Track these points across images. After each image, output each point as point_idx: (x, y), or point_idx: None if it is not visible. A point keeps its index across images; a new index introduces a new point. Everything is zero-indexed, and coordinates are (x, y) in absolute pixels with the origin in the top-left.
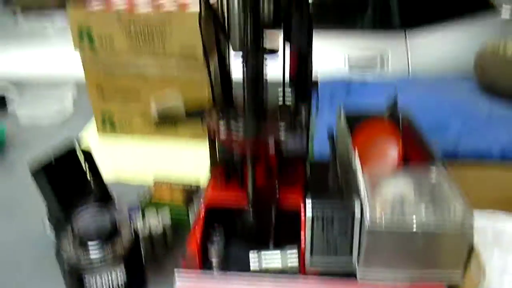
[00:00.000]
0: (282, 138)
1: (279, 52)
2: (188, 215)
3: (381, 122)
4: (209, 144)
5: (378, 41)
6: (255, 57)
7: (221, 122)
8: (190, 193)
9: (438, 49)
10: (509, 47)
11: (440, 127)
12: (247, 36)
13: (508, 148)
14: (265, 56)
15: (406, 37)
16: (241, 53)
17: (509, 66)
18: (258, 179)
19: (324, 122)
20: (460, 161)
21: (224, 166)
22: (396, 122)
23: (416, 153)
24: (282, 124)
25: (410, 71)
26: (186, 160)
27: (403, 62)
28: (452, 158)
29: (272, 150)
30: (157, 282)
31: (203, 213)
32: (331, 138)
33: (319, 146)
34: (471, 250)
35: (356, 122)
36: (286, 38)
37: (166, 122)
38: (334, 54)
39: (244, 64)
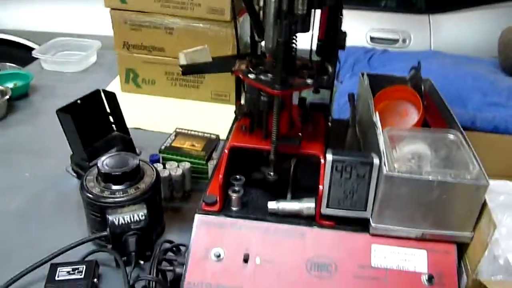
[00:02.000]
0: (307, 91)
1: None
2: (207, 163)
3: (403, 87)
4: (235, 93)
5: (401, 22)
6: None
7: (250, 71)
8: (210, 141)
9: (461, 33)
10: None
11: (461, 99)
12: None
13: None
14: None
15: (429, 21)
16: None
17: None
18: (282, 128)
19: (345, 87)
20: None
21: (250, 116)
22: (418, 88)
23: (436, 118)
24: (308, 78)
25: None
26: (207, 119)
27: (425, 45)
28: (469, 128)
29: (296, 102)
30: (174, 224)
31: (226, 155)
32: (352, 98)
33: (339, 110)
34: (483, 206)
35: (378, 86)
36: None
37: (193, 70)
38: (356, 33)
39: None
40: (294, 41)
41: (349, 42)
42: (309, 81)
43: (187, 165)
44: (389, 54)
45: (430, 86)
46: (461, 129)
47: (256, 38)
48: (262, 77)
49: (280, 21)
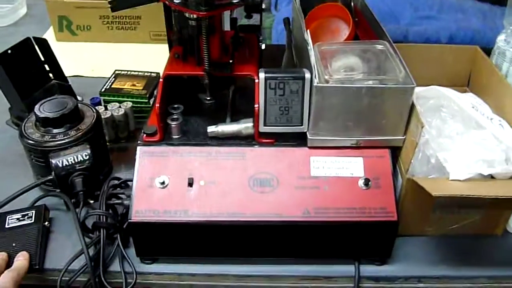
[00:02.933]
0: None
1: None
2: (149, 101)
3: (333, 4)
4: (165, 22)
5: None
6: None
7: None
8: (151, 79)
9: None
10: None
11: (393, 15)
12: None
13: (456, 35)
14: None
15: None
16: None
17: None
18: (213, 53)
19: (282, 14)
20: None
21: (182, 44)
22: (347, 5)
23: (367, 34)
24: None
25: None
26: (148, 60)
27: None
28: (401, 42)
29: (227, 25)
30: (121, 163)
31: (161, 83)
32: (287, 23)
33: (277, 37)
34: (411, 108)
35: (310, 6)
36: None
37: (122, 4)
38: None
39: None
40: None
41: None
42: (235, 0)
43: (129, 104)
44: None
45: (361, 2)
46: (390, 39)
47: None
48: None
49: None
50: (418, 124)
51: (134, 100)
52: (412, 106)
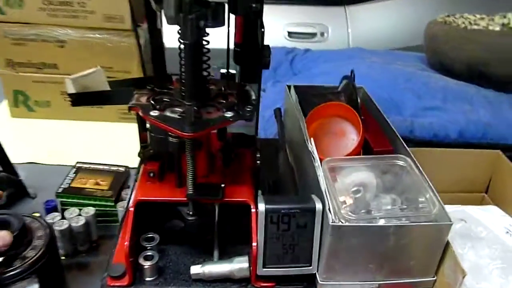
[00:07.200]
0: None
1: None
2: (115, 204)
3: (338, 104)
4: (138, 126)
5: (318, 16)
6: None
7: (153, 105)
8: (118, 176)
9: (378, 24)
10: (459, 19)
11: (395, 104)
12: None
13: (466, 129)
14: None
15: (346, 12)
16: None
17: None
18: (199, 171)
19: (268, 96)
20: (416, 140)
21: (157, 160)
22: (353, 103)
23: (375, 134)
24: (227, 109)
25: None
26: (115, 143)
27: (343, 37)
28: (408, 137)
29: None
30: (79, 283)
31: (132, 213)
32: (279, 114)
33: (264, 125)
34: (446, 246)
35: (307, 100)
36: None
37: (85, 101)
38: (274, 29)
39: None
40: (204, 55)
41: (268, 39)
42: (228, 114)
43: (91, 211)
44: (312, 55)
45: (364, 93)
46: (408, 149)
47: None
48: (168, 113)
49: (184, 14)
50: (457, 269)
51: (98, 203)
52: (447, 245)
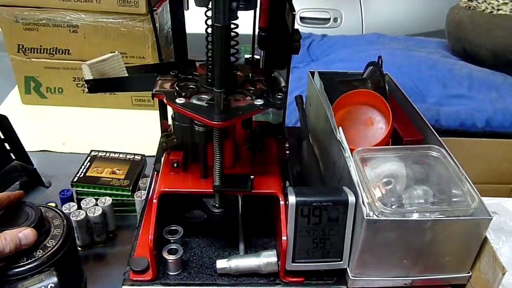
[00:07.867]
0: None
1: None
2: (133, 194)
3: (366, 91)
4: (159, 112)
5: (331, 1)
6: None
7: (178, 92)
8: (135, 165)
9: (392, 10)
10: (482, 4)
11: (419, 92)
12: None
13: (493, 118)
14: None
15: None
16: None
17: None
18: (225, 162)
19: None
20: (442, 129)
21: (181, 150)
22: (381, 90)
23: (402, 123)
24: (256, 97)
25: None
26: (129, 131)
27: (356, 22)
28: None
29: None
30: (97, 277)
31: (155, 205)
32: (300, 101)
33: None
34: (483, 242)
35: (331, 86)
36: None
37: (103, 87)
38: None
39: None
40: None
41: None
42: (258, 102)
43: (108, 201)
44: (329, 40)
45: (389, 81)
46: (440, 139)
47: None
48: (194, 100)
49: None
50: (496, 266)
51: (114, 192)
52: (484, 240)
